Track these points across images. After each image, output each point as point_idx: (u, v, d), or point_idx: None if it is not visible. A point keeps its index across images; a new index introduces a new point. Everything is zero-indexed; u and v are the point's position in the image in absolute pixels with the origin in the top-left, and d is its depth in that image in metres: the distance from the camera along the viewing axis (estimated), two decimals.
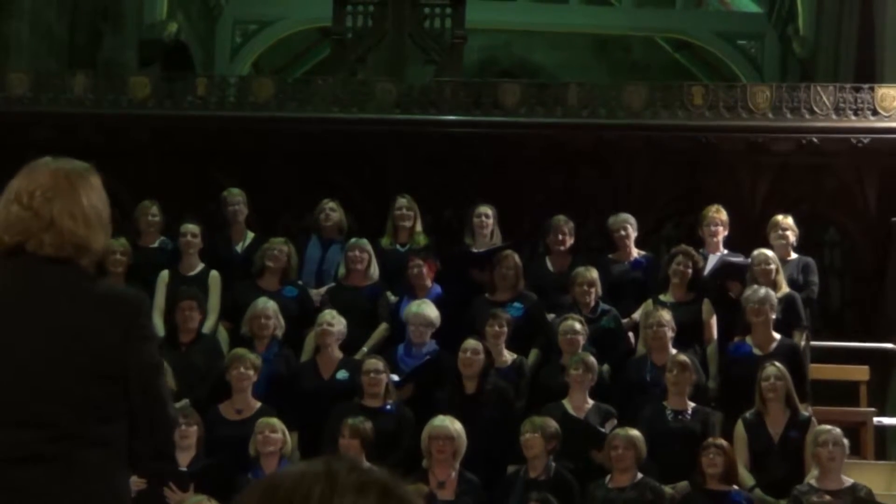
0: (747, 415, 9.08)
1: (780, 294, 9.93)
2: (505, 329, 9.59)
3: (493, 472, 8.87)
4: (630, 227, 10.64)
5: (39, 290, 3.43)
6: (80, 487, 3.33)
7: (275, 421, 8.70)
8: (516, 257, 10.20)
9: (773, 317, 9.62)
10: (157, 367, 3.56)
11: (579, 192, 11.97)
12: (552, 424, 8.68)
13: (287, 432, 8.71)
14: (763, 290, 9.63)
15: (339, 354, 9.64)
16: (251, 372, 9.11)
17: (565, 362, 9.36)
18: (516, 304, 10.04)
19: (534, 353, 9.91)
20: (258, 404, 9.10)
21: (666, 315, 9.58)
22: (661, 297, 10.04)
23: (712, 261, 10.46)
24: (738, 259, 10.45)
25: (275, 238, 10.50)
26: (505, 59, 23.75)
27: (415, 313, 9.70)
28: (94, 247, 3.50)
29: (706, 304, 10.02)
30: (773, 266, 10.04)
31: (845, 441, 8.56)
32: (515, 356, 9.68)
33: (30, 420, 3.31)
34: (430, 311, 9.74)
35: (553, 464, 8.65)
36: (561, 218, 10.66)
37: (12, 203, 3.47)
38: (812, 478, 8.56)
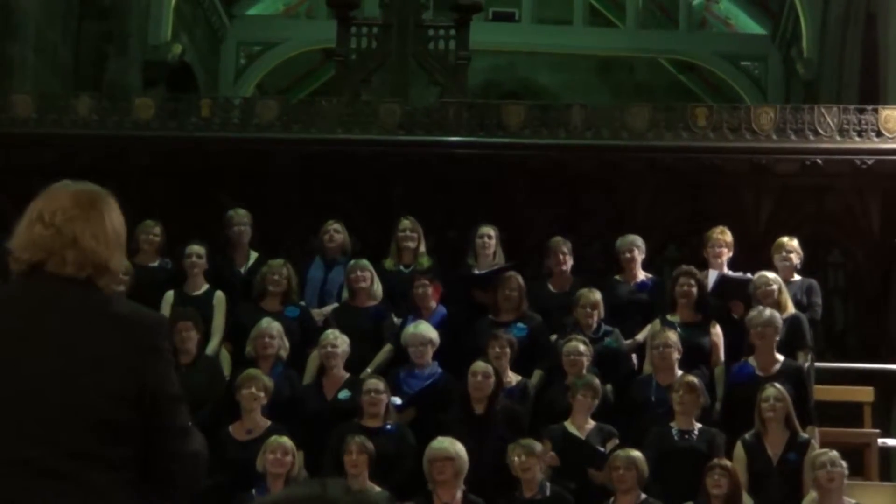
0: (747, 436, 9.06)
1: (785, 315, 9.91)
2: (507, 350, 9.57)
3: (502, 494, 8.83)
4: (637, 250, 10.65)
5: (57, 308, 3.43)
6: None
7: (286, 441, 8.67)
8: (519, 278, 10.18)
9: (778, 339, 9.61)
10: (178, 399, 3.47)
11: (583, 213, 11.95)
12: (537, 445, 8.66)
13: (296, 453, 8.69)
14: (768, 312, 9.61)
15: (343, 374, 9.63)
16: (262, 393, 9.10)
17: (569, 383, 9.35)
18: (520, 325, 10.02)
19: (538, 375, 9.88)
20: (268, 423, 9.08)
21: (672, 336, 9.58)
22: (669, 318, 10.04)
23: (712, 277, 10.44)
24: (738, 275, 10.43)
25: (273, 260, 10.47)
26: (509, 81, 23.82)
27: (412, 334, 9.68)
28: (112, 267, 3.51)
29: (714, 326, 10.02)
30: (774, 287, 10.01)
31: (843, 462, 8.50)
32: (520, 378, 9.67)
33: (45, 437, 3.31)
34: (428, 330, 9.73)
35: (548, 483, 8.62)
36: (558, 239, 10.67)
37: (35, 223, 3.48)
38: (812, 501, 8.52)
